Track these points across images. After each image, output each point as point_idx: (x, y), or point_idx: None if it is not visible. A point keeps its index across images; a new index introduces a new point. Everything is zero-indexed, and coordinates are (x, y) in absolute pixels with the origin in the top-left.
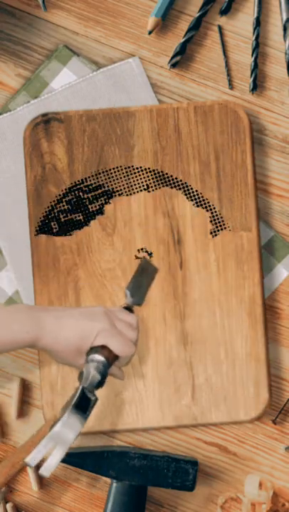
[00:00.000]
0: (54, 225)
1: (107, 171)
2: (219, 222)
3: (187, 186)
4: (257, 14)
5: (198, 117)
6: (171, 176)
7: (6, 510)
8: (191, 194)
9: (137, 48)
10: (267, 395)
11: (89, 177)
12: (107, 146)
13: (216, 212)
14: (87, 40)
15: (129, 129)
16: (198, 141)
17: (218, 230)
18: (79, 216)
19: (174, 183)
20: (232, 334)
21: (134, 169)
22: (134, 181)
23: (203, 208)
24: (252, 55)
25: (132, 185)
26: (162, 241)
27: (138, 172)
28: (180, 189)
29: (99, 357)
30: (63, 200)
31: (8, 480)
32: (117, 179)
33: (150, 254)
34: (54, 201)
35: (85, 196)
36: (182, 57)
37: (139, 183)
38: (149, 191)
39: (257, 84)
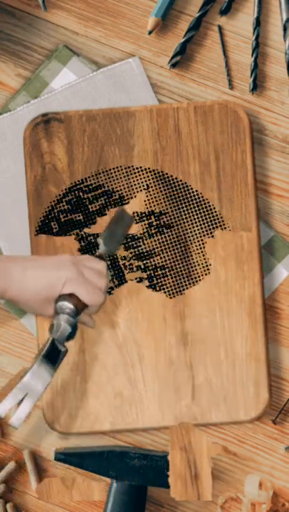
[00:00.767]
0: (54, 225)
1: (107, 171)
2: (219, 222)
3: (187, 186)
4: (257, 14)
5: (198, 117)
6: (171, 176)
7: (6, 510)
8: (191, 194)
9: (137, 47)
10: (267, 395)
11: (89, 177)
12: (107, 146)
13: (216, 212)
14: (87, 40)
15: (129, 129)
16: (198, 141)
17: (218, 230)
18: (79, 216)
19: (174, 183)
20: (232, 334)
21: (134, 169)
22: (134, 181)
23: (203, 207)
24: (252, 55)
25: (132, 185)
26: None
27: (138, 172)
28: (180, 189)
29: (68, 304)
30: (63, 200)
31: None
32: (117, 179)
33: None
34: (54, 201)
35: (85, 196)
36: (182, 57)
37: (139, 183)
38: (149, 191)
39: (257, 84)
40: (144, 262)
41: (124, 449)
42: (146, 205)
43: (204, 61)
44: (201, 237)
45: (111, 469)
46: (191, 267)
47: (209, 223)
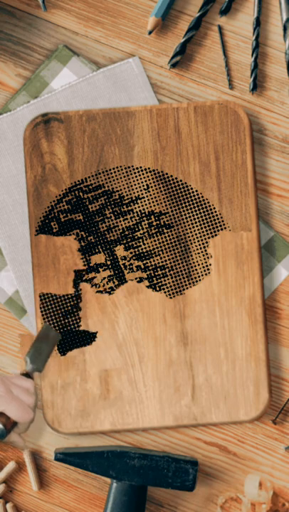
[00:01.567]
0: (54, 225)
1: (107, 171)
2: (219, 222)
3: (187, 186)
4: (257, 14)
5: (198, 117)
6: (171, 176)
7: (6, 510)
8: (191, 194)
9: (137, 48)
10: (267, 395)
11: (89, 177)
12: (107, 146)
13: (216, 212)
14: (87, 40)
15: (129, 129)
16: (198, 141)
17: (218, 230)
18: (79, 216)
19: (174, 183)
20: (232, 334)
21: (134, 169)
22: (134, 181)
23: (203, 207)
24: (252, 55)
25: (132, 185)
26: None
27: (138, 172)
28: (180, 189)
29: None
30: (63, 200)
31: None
32: (117, 179)
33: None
34: (54, 201)
35: (85, 196)
36: (182, 57)
37: (139, 183)
38: (149, 191)
39: (257, 84)
40: (144, 262)
41: (124, 449)
42: (146, 205)
43: (204, 61)
44: (201, 237)
45: (111, 469)
46: (191, 267)
47: (209, 223)
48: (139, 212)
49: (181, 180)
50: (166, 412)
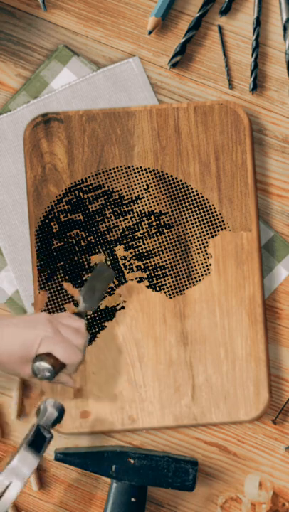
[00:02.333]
0: (54, 225)
1: (107, 171)
2: (219, 222)
3: (187, 186)
4: (257, 14)
5: (198, 117)
6: (171, 176)
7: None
8: (191, 194)
9: (137, 48)
10: (267, 395)
11: (89, 177)
12: (107, 146)
13: (216, 212)
14: (87, 40)
15: (129, 129)
16: (198, 141)
17: (218, 230)
18: (79, 216)
19: (174, 183)
20: (232, 334)
21: (134, 169)
22: (134, 181)
23: (203, 207)
24: (252, 55)
25: (132, 185)
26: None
27: (138, 172)
28: (180, 189)
29: (44, 365)
30: (63, 200)
31: None
32: (117, 179)
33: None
34: (54, 201)
35: (85, 196)
36: (182, 57)
37: (139, 183)
38: (149, 191)
39: (257, 84)
40: (144, 262)
41: (124, 449)
42: (146, 205)
43: (204, 61)
44: (201, 237)
45: (111, 469)
46: (191, 267)
47: (209, 223)
48: (139, 212)
49: (181, 180)
50: (166, 412)
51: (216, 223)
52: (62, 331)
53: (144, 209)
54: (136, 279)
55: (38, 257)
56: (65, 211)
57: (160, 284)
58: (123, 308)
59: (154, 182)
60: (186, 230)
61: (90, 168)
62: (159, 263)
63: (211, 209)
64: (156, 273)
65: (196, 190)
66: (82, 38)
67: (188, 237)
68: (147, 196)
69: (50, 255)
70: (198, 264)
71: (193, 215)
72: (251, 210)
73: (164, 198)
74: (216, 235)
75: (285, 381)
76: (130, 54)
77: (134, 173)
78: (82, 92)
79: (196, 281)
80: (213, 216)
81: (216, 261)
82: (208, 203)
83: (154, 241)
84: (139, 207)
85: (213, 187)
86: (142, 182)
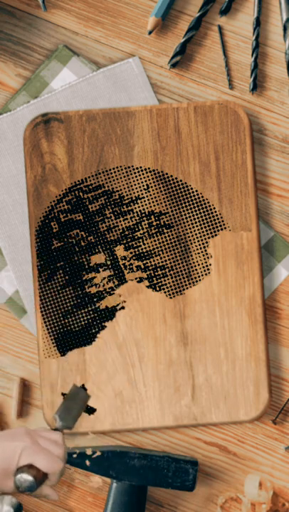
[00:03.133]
0: (54, 225)
1: (107, 171)
2: (219, 222)
3: (187, 186)
4: (257, 14)
5: (198, 117)
6: (171, 176)
7: None
8: (191, 194)
9: (137, 48)
10: (267, 395)
11: (89, 177)
12: (107, 146)
13: (216, 212)
14: (87, 40)
15: (129, 129)
16: (198, 141)
17: (218, 230)
18: (79, 216)
19: (174, 183)
20: (232, 334)
21: (134, 169)
22: (134, 181)
23: (203, 207)
24: (252, 55)
25: (132, 185)
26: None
27: (138, 172)
28: (180, 189)
29: (26, 477)
30: (63, 200)
31: None
32: (117, 179)
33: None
34: (54, 201)
35: (85, 196)
36: (182, 57)
37: (139, 183)
38: (149, 191)
39: (257, 84)
40: (144, 262)
41: (124, 449)
42: (146, 205)
43: (204, 61)
44: (201, 237)
45: (111, 469)
46: (191, 267)
47: (209, 223)
48: (139, 212)
49: (181, 180)
50: (166, 412)
51: (216, 223)
52: (40, 442)
53: (144, 209)
54: (136, 279)
55: (38, 257)
56: (65, 211)
57: (160, 284)
58: (123, 308)
59: (154, 182)
60: (186, 230)
61: (90, 168)
62: (159, 263)
63: (211, 209)
64: (156, 273)
65: (196, 190)
66: (82, 38)
67: (188, 237)
68: (147, 196)
69: (50, 255)
70: (198, 264)
71: (193, 215)
72: (251, 210)
73: (164, 198)
74: (216, 235)
75: (285, 381)
76: (130, 54)
77: (134, 173)
78: (82, 92)
79: (196, 281)
80: (213, 216)
81: (216, 261)
82: (208, 203)
83: (154, 241)
84: (139, 207)
85: (213, 187)
86: (142, 182)
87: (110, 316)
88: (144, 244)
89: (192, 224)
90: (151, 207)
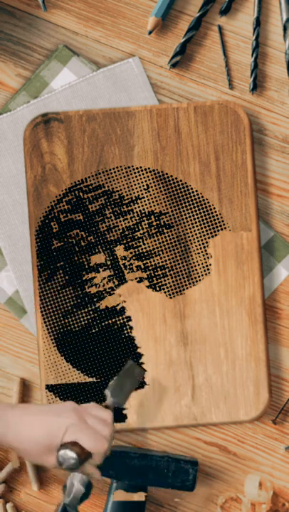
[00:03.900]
0: (54, 225)
1: (107, 171)
2: (219, 222)
3: (187, 186)
4: (257, 14)
5: (198, 117)
6: (171, 176)
7: (6, 510)
8: (191, 194)
9: (137, 48)
10: (267, 395)
11: (89, 177)
12: (107, 146)
13: (216, 212)
14: (87, 40)
15: (129, 129)
16: (198, 141)
17: (218, 230)
18: (79, 216)
19: (174, 183)
20: (232, 334)
21: (134, 169)
22: (134, 181)
23: (203, 207)
24: (252, 55)
25: (132, 185)
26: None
27: (138, 172)
28: (180, 189)
29: (70, 453)
30: (63, 200)
31: None
32: (117, 179)
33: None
34: (54, 201)
35: (85, 196)
36: (182, 57)
37: (139, 183)
38: (149, 191)
39: (257, 84)
40: (144, 262)
41: (124, 449)
42: (146, 205)
43: (204, 61)
44: (200, 237)
45: (111, 469)
46: (191, 267)
47: (209, 223)
48: (139, 212)
49: (181, 180)
50: (166, 412)
51: (216, 223)
52: (88, 420)
53: (144, 209)
54: (136, 279)
55: (38, 257)
56: (65, 211)
57: (160, 284)
58: (123, 308)
59: (154, 182)
60: (186, 230)
61: (90, 168)
62: (159, 263)
63: (211, 209)
64: (156, 273)
65: (196, 190)
66: (82, 38)
67: (188, 237)
68: (147, 196)
69: (50, 255)
70: (198, 264)
71: (193, 215)
72: (251, 210)
73: (164, 198)
74: (216, 235)
75: (285, 381)
76: (130, 54)
77: (134, 173)
78: (82, 92)
79: (196, 281)
80: (213, 216)
81: (216, 261)
82: (208, 203)
83: (154, 241)
84: (139, 207)
85: (213, 187)
86: (142, 182)
87: (110, 316)
88: (144, 244)
89: (192, 224)
90: (151, 207)
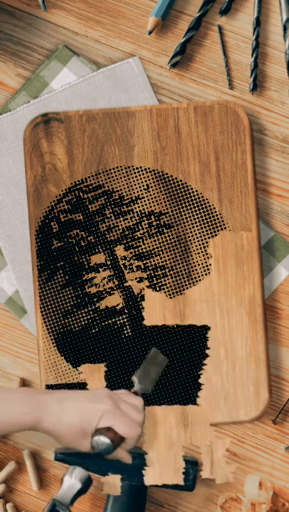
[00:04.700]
0: (54, 225)
1: (107, 171)
2: (219, 222)
3: (187, 186)
4: (257, 14)
5: (198, 117)
6: (171, 176)
7: (6, 510)
8: (191, 194)
9: (137, 48)
10: (267, 395)
11: (89, 177)
12: (107, 146)
13: (216, 212)
14: (87, 40)
15: (129, 129)
16: (198, 141)
17: (218, 230)
18: (79, 216)
19: (174, 183)
20: (232, 334)
21: (134, 169)
22: (134, 181)
23: (203, 207)
24: (252, 55)
25: (132, 185)
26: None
27: (138, 172)
28: (180, 189)
29: (104, 439)
30: (63, 200)
31: None
32: (117, 179)
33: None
34: (54, 201)
35: (85, 196)
36: (182, 57)
37: (139, 183)
38: (149, 191)
39: (257, 84)
40: (144, 262)
41: None
42: (146, 205)
43: (204, 61)
44: (200, 237)
45: (111, 469)
46: (191, 267)
47: (209, 223)
48: (139, 212)
49: (181, 180)
50: (167, 412)
51: (216, 223)
52: (122, 406)
53: (144, 209)
54: (136, 279)
55: (38, 257)
56: (65, 211)
57: (160, 284)
58: (123, 308)
59: (154, 182)
60: (186, 230)
61: (90, 168)
62: (159, 263)
63: (211, 209)
64: (156, 273)
65: (196, 190)
66: (82, 38)
67: (188, 237)
68: (147, 196)
69: (50, 255)
70: (198, 264)
71: (193, 215)
72: (251, 210)
73: (164, 198)
74: (216, 235)
75: (285, 381)
76: (130, 54)
77: (134, 173)
78: (82, 92)
79: (196, 281)
80: (213, 216)
81: (216, 261)
82: (208, 203)
83: (154, 241)
84: (139, 207)
85: (213, 187)
86: (142, 182)
87: (110, 316)
88: (144, 244)
89: (192, 224)
90: (151, 207)
